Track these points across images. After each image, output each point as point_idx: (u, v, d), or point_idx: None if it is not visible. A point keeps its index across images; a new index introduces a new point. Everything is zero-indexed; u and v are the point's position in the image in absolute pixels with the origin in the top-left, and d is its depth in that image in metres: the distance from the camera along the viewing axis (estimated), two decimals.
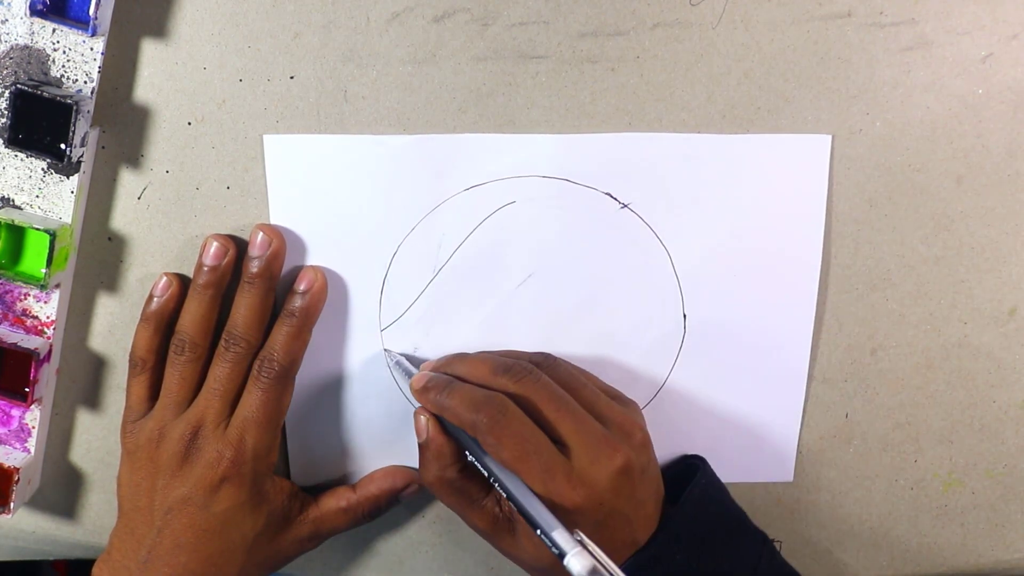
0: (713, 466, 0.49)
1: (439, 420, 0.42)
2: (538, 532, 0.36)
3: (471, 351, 0.47)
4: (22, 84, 0.40)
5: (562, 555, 0.34)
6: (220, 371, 0.43)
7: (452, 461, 0.42)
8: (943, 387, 0.49)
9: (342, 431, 0.48)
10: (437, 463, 0.42)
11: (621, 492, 0.39)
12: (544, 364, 0.43)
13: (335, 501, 0.47)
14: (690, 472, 0.45)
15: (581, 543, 0.35)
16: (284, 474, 0.49)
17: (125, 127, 0.44)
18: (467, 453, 0.41)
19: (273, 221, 0.45)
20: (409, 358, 0.46)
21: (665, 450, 0.49)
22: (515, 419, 0.39)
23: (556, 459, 0.38)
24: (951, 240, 0.46)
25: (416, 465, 0.47)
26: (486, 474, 0.39)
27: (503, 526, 0.42)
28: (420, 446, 0.43)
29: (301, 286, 0.44)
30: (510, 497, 0.38)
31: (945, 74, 0.44)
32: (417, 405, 0.43)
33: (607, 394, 0.43)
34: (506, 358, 0.43)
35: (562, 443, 0.39)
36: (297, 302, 0.44)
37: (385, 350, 0.46)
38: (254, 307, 0.43)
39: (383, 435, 0.49)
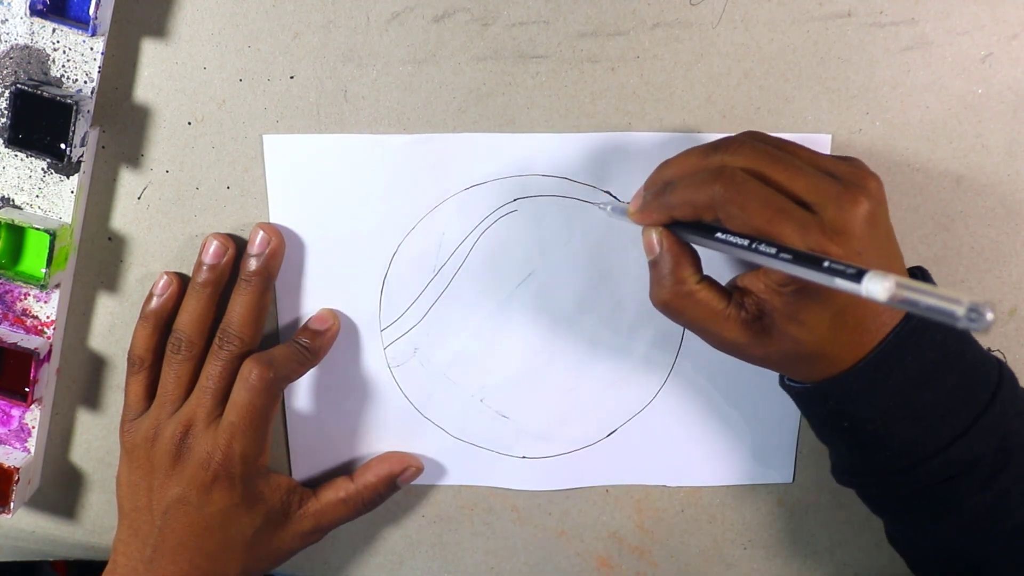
0: (712, 467, 0.49)
1: (669, 231, 0.39)
2: (822, 282, 0.32)
3: (471, 351, 0.47)
4: (22, 84, 0.40)
5: (858, 290, 0.30)
6: (213, 369, 0.43)
7: (692, 271, 0.39)
8: None
9: (342, 429, 0.48)
10: (674, 276, 0.38)
11: (873, 239, 0.36)
12: (752, 136, 0.39)
13: (334, 493, 0.47)
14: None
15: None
16: (286, 470, 0.49)
17: (125, 127, 0.44)
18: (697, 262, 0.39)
19: (273, 221, 0.45)
20: (619, 200, 0.44)
21: (665, 451, 0.49)
22: (752, 184, 0.35)
23: (805, 215, 0.35)
24: (951, 240, 0.46)
25: (413, 454, 0.48)
26: (741, 255, 0.36)
27: (755, 327, 0.38)
28: (651, 264, 0.39)
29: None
30: (770, 264, 0.34)
31: (945, 74, 0.44)
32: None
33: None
34: (708, 142, 0.39)
35: (801, 202, 0.36)
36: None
37: (597, 205, 0.44)
38: (250, 305, 0.43)
39: (383, 433, 0.49)
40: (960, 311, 0.27)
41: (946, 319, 0.27)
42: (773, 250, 0.34)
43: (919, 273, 0.41)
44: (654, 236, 0.39)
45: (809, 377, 0.39)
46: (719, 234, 0.37)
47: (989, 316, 0.26)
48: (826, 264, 0.31)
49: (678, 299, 0.39)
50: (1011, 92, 0.44)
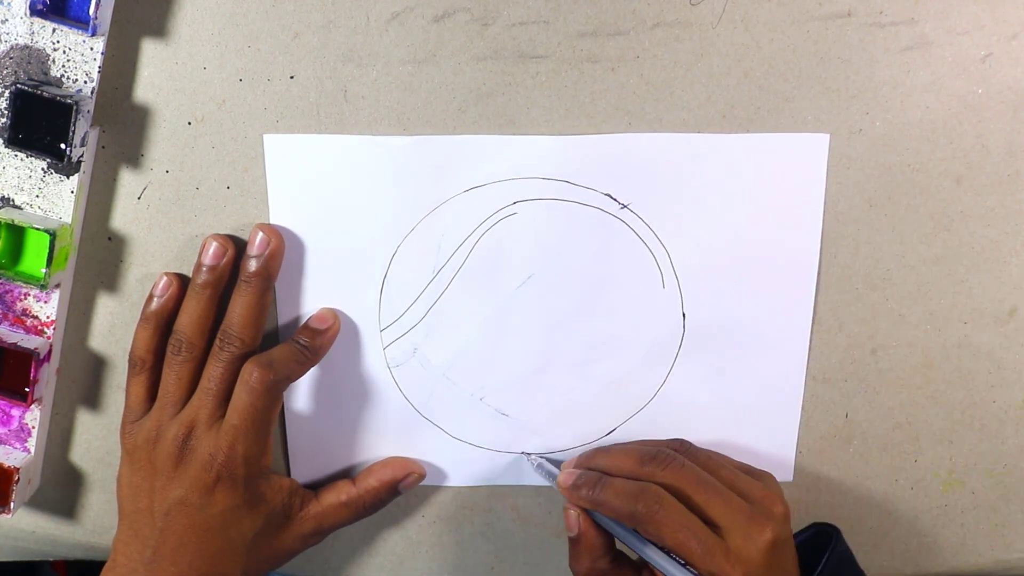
0: None
1: (588, 514, 0.44)
2: None
3: (471, 352, 0.47)
4: (22, 84, 0.40)
5: None
6: (214, 371, 0.43)
7: (604, 552, 0.44)
8: (943, 387, 0.49)
9: (342, 430, 0.48)
10: (589, 555, 0.44)
11: (772, 566, 0.41)
12: (683, 450, 0.45)
13: (335, 496, 0.47)
14: (819, 539, 0.47)
15: None
16: (284, 471, 0.49)
17: (125, 127, 0.44)
18: (617, 543, 0.44)
19: (273, 221, 0.45)
20: (548, 459, 0.49)
21: None
22: (671, 507, 0.41)
23: (713, 540, 0.40)
24: (951, 240, 0.46)
25: (417, 457, 0.48)
26: (647, 560, 0.42)
27: None
28: (571, 540, 0.44)
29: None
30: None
31: (945, 74, 0.44)
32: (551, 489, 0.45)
33: (742, 471, 0.45)
34: (646, 447, 0.45)
35: (713, 524, 0.41)
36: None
37: (524, 453, 0.49)
38: (250, 306, 0.43)
39: (382, 433, 0.49)
40: None
41: None
42: (676, 566, 0.41)
43: (832, 531, 0.47)
44: (573, 516, 0.44)
45: None
46: (632, 537, 0.42)
47: None
48: None
49: (593, 574, 0.44)
50: (1011, 92, 0.44)
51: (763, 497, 0.42)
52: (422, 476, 0.48)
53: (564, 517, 0.44)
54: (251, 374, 0.43)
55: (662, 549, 0.42)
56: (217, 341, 0.44)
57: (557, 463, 0.48)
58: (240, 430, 0.42)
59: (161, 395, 0.44)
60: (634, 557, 0.44)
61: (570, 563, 0.45)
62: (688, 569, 0.41)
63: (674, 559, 0.41)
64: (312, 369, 0.46)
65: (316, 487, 0.47)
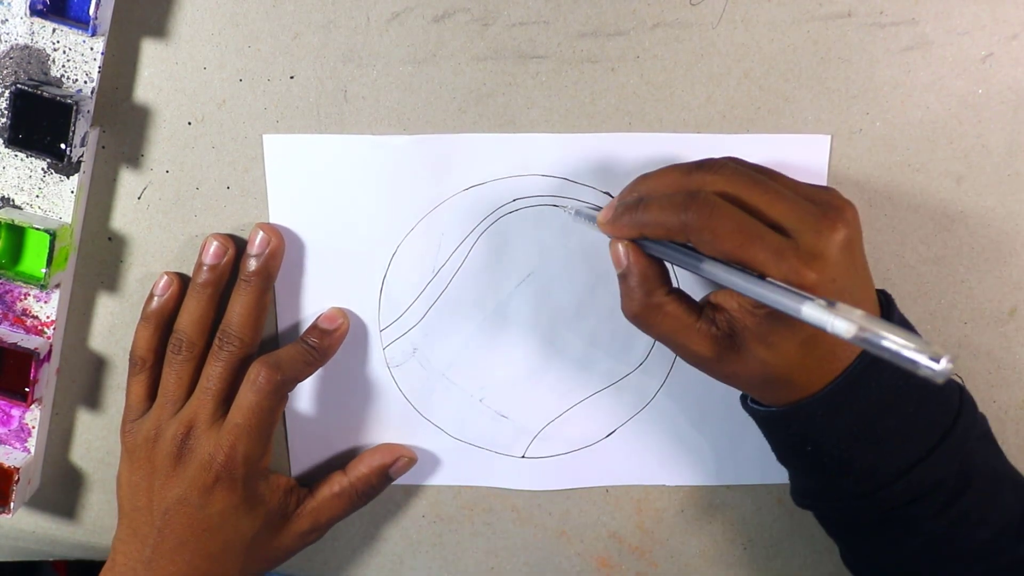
0: (712, 466, 0.49)
1: (636, 244, 0.39)
2: (787, 312, 0.33)
3: (470, 351, 0.47)
4: (22, 84, 0.40)
5: (824, 324, 0.31)
6: (214, 370, 0.43)
7: (658, 283, 0.38)
8: None
9: (342, 430, 0.48)
10: (642, 288, 0.38)
11: (849, 267, 0.36)
12: (734, 159, 0.39)
13: (328, 488, 0.47)
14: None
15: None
16: (286, 471, 0.49)
17: (125, 127, 0.44)
18: (672, 276, 0.39)
19: (273, 221, 0.45)
20: (587, 206, 0.44)
21: (664, 451, 0.49)
22: (726, 209, 0.35)
23: (781, 240, 0.35)
24: (951, 240, 0.46)
25: (407, 445, 0.48)
26: (707, 276, 0.36)
27: (724, 343, 0.38)
28: (620, 277, 0.39)
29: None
30: (743, 289, 0.35)
31: (945, 74, 0.44)
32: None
33: None
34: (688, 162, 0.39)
35: (778, 226, 0.35)
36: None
37: (559, 207, 0.44)
38: (249, 306, 0.43)
39: (382, 433, 0.49)
40: (922, 360, 0.28)
41: (907, 365, 0.28)
42: (736, 287, 0.35)
43: (883, 299, 0.40)
44: (620, 249, 0.39)
45: (774, 400, 0.39)
46: (687, 256, 0.37)
47: (946, 367, 0.28)
48: (797, 292, 0.33)
49: (647, 311, 0.39)
50: (1011, 92, 0.44)
51: (829, 199, 0.37)
52: (413, 460, 0.48)
53: (611, 254, 0.39)
54: (258, 374, 0.43)
55: (722, 263, 0.36)
56: (216, 340, 0.44)
57: (596, 208, 0.43)
58: (243, 429, 0.42)
59: (161, 394, 0.44)
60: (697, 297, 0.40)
61: (623, 305, 0.40)
62: (755, 276, 0.35)
63: (738, 270, 0.35)
64: None
65: (314, 481, 0.47)
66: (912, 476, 0.38)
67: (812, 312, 0.31)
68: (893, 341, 0.29)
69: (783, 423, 0.39)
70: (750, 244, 0.35)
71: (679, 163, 0.39)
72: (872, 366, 0.37)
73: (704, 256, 0.36)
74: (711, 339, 0.38)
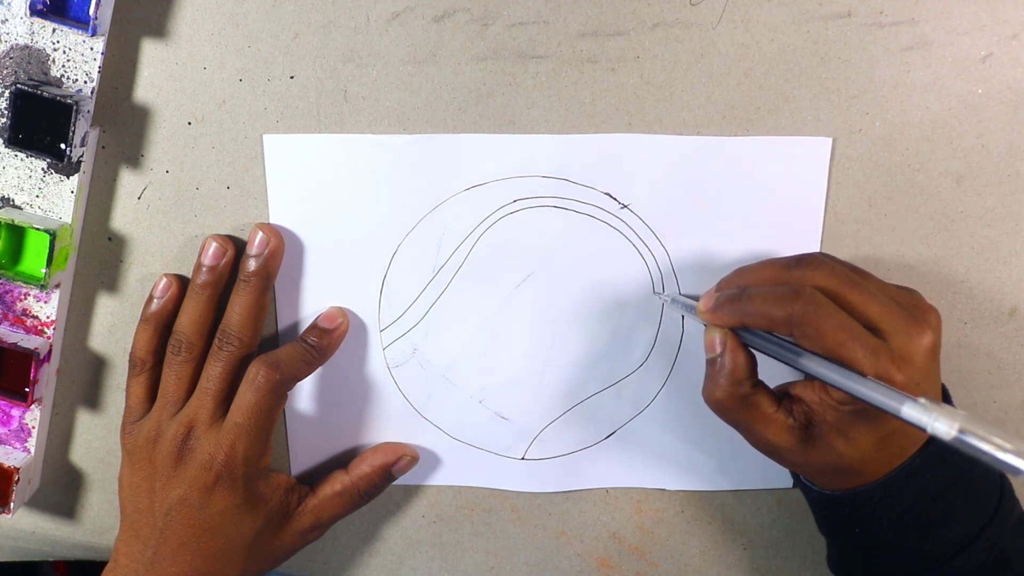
0: (713, 471, 0.49)
1: (734, 333, 0.40)
2: (885, 411, 0.34)
3: (470, 352, 0.47)
4: (22, 84, 0.40)
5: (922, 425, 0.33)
6: (213, 370, 0.43)
7: (747, 375, 0.39)
8: None
9: (342, 429, 0.48)
10: (731, 378, 0.39)
11: (931, 371, 0.38)
12: (829, 256, 0.40)
13: (330, 487, 0.47)
14: None
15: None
16: (284, 469, 0.49)
17: (125, 127, 0.44)
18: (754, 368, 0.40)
19: (273, 221, 0.45)
20: (683, 295, 0.45)
21: (664, 454, 0.49)
22: (829, 307, 0.37)
23: (876, 341, 0.36)
24: (951, 240, 0.46)
25: (409, 444, 0.48)
26: (804, 370, 0.38)
27: (799, 435, 0.39)
28: (709, 363, 0.40)
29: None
30: (842, 385, 0.36)
31: (945, 74, 0.44)
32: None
33: None
34: (785, 257, 0.41)
35: (871, 326, 0.37)
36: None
37: (655, 293, 0.46)
38: (249, 306, 0.43)
39: (382, 433, 0.49)
40: (1020, 465, 0.30)
41: (998, 466, 0.30)
42: (832, 383, 0.36)
43: (944, 392, 0.42)
44: (718, 337, 0.40)
45: (835, 486, 0.41)
46: (784, 348, 0.38)
47: None
48: (902, 394, 0.34)
49: (731, 401, 0.40)
50: (1011, 92, 0.44)
51: (916, 303, 0.39)
52: (415, 459, 0.48)
53: (705, 340, 0.40)
54: (257, 373, 0.43)
55: (822, 357, 0.37)
56: (216, 341, 0.44)
57: (693, 298, 0.44)
58: (243, 428, 0.42)
59: (161, 395, 0.44)
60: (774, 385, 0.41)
61: (705, 390, 0.41)
62: (857, 374, 0.36)
63: (839, 366, 0.36)
64: None
65: (314, 480, 0.47)
66: (953, 563, 0.40)
67: (912, 412, 0.33)
68: (993, 444, 0.30)
69: (836, 505, 0.41)
70: (850, 342, 0.36)
71: (777, 258, 0.40)
72: (931, 457, 0.39)
73: (803, 350, 0.37)
74: (788, 430, 0.39)
